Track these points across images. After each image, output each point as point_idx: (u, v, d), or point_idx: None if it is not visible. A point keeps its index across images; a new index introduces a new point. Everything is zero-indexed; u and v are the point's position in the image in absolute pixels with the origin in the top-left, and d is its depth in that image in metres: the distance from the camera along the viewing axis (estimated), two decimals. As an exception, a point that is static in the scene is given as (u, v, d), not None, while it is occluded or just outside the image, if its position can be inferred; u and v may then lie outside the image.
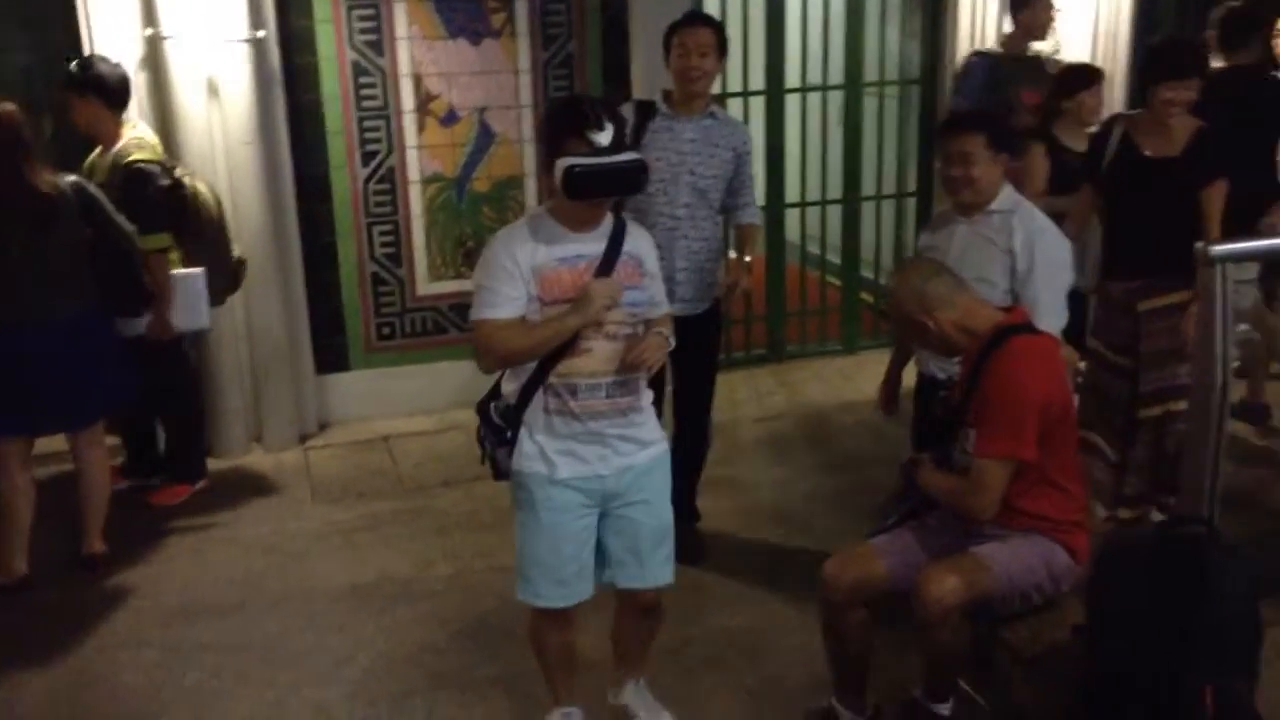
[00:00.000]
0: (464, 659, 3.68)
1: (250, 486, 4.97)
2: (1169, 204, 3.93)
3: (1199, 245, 2.68)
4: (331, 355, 5.55)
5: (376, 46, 5.27)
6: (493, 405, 2.99)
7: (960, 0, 5.88)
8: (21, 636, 3.85)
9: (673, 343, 2.98)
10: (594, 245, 2.86)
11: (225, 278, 4.65)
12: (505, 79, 5.44)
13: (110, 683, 3.62)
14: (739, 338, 6.18)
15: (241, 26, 4.84)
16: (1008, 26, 5.67)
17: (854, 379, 5.98)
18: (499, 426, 2.95)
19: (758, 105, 5.98)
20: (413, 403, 5.57)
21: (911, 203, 6.41)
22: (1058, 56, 5.61)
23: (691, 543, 4.18)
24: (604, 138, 2.72)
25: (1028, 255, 3.38)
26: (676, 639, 3.66)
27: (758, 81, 5.95)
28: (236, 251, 4.73)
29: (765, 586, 4.06)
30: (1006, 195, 3.54)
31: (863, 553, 3.06)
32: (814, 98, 6.12)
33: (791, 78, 6.02)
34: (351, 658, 3.70)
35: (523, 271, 2.80)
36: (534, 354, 2.83)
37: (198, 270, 4.47)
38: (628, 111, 3.87)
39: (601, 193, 2.81)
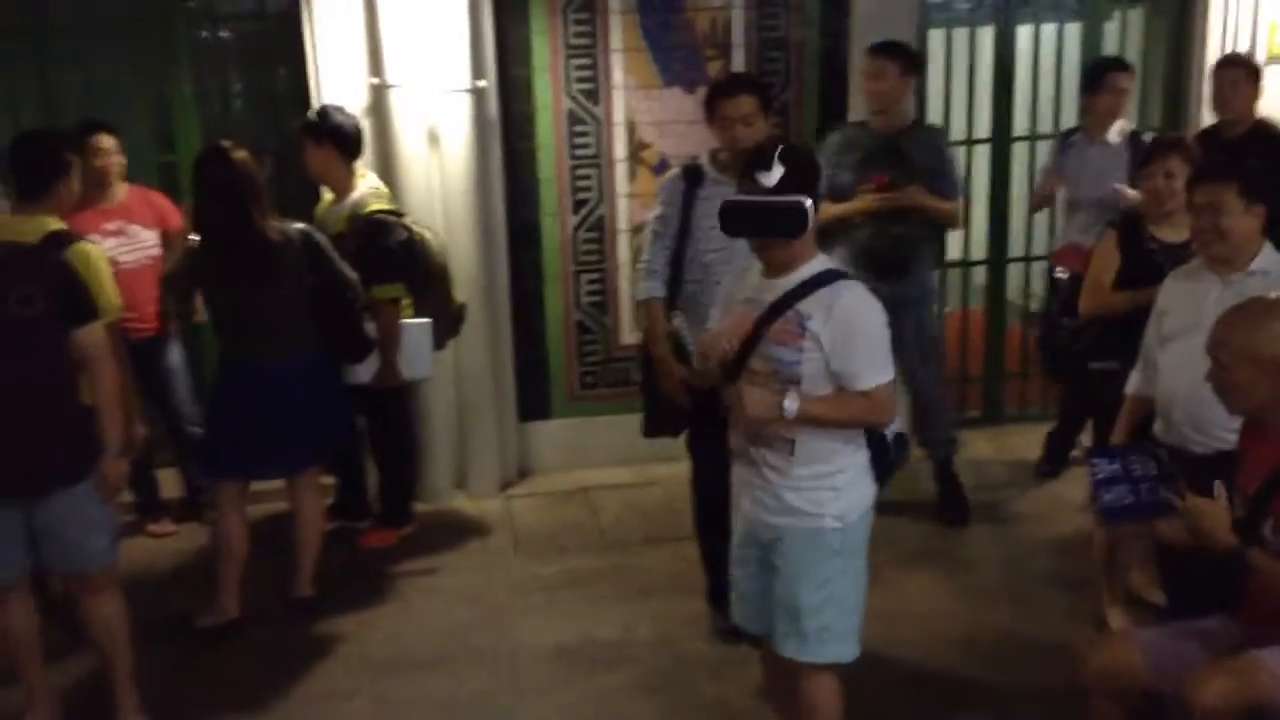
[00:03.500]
0: (677, 736, 3.53)
1: (455, 534, 4.95)
2: None
3: None
4: (534, 402, 5.52)
5: (592, 95, 5.23)
6: None
7: (1208, 54, 5.49)
8: (231, 678, 3.89)
9: (790, 410, 2.70)
10: (774, 293, 2.80)
11: (448, 324, 4.67)
12: (720, 127, 5.32)
13: (318, 733, 3.62)
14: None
15: (464, 76, 4.87)
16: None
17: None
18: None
19: (982, 153, 5.70)
20: (612, 454, 5.44)
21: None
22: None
23: None
24: (769, 178, 2.70)
25: None
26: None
27: (983, 129, 5.69)
28: (458, 298, 4.73)
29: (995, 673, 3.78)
30: (1269, 254, 3.31)
31: (1119, 639, 2.90)
32: (1043, 146, 5.78)
33: (1020, 125, 5.72)
34: (556, 726, 3.60)
35: None
36: None
37: (425, 321, 4.50)
38: (675, 179, 3.82)
39: (747, 230, 2.85)
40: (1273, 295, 2.80)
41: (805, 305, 2.75)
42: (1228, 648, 2.68)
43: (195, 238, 4.01)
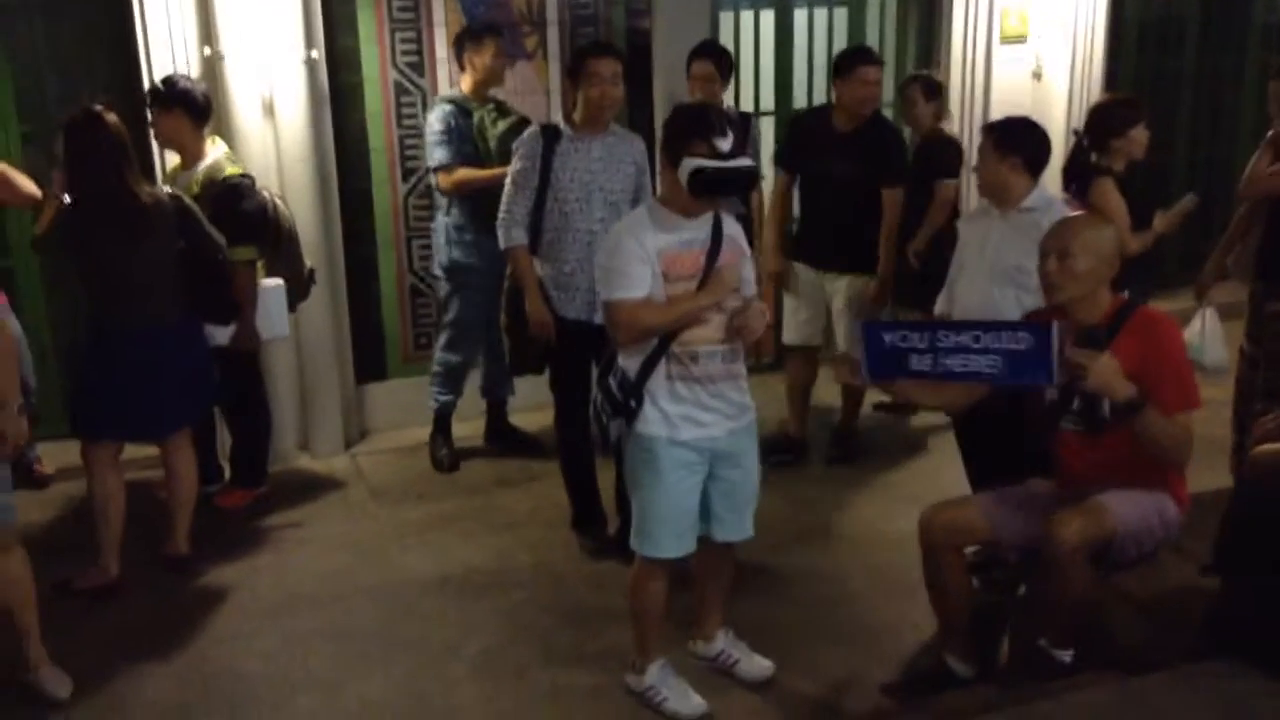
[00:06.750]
0: (571, 638, 3.90)
1: (310, 491, 5.11)
2: None
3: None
4: (370, 365, 5.72)
5: (417, 67, 5.48)
6: (611, 379, 3.30)
7: (954, 29, 6.32)
8: (132, 634, 3.95)
9: (768, 316, 3.34)
10: (702, 231, 3.26)
11: (299, 288, 4.81)
12: (537, 99, 5.69)
13: (234, 670, 3.76)
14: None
15: (298, 46, 5.02)
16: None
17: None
18: (618, 398, 3.26)
19: (767, 124, 6.31)
20: (447, 411, 5.73)
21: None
22: None
23: None
24: (725, 144, 3.13)
25: None
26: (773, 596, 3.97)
27: (768, 101, 6.33)
28: (308, 263, 4.89)
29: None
30: (1038, 195, 3.95)
31: (960, 501, 3.45)
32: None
33: (798, 99, 6.37)
34: (463, 641, 3.89)
35: (648, 254, 3.18)
36: (668, 329, 3.20)
37: (279, 281, 4.65)
38: (535, 136, 4.23)
39: (721, 192, 3.26)
40: (1077, 215, 3.48)
41: (731, 231, 3.32)
42: (1053, 502, 3.27)
43: (67, 199, 4.02)
